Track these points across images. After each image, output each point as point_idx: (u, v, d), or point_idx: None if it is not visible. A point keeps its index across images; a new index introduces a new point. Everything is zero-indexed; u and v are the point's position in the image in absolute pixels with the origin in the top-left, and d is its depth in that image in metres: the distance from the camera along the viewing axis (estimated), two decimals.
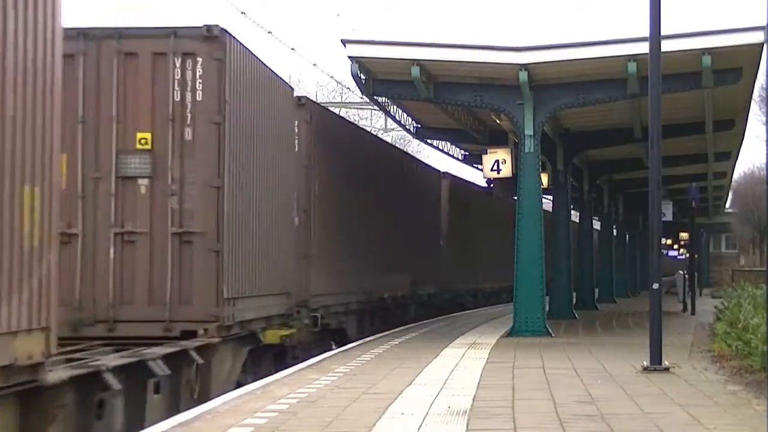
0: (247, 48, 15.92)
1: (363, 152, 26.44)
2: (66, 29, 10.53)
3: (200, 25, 14.86)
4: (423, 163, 36.77)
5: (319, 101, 25.93)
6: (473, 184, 41.34)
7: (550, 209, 33.15)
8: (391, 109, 29.95)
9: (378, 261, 26.99)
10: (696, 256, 45.94)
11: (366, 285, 25.82)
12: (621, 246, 51.79)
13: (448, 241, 36.25)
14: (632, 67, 21.66)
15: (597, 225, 45.39)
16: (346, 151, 24.44)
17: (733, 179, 52.19)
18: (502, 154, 25.63)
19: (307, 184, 21.16)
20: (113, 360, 11.96)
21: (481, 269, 40.26)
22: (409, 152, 35.99)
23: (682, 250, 73.29)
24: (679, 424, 10.69)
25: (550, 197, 33.40)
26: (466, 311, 36.55)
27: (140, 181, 14.70)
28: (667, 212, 36.96)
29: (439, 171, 37.27)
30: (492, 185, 26.36)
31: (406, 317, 30.26)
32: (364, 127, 31.47)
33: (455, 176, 39.48)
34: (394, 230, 28.65)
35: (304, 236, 20.90)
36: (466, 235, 38.16)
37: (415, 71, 22.26)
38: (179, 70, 14.75)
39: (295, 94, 20.39)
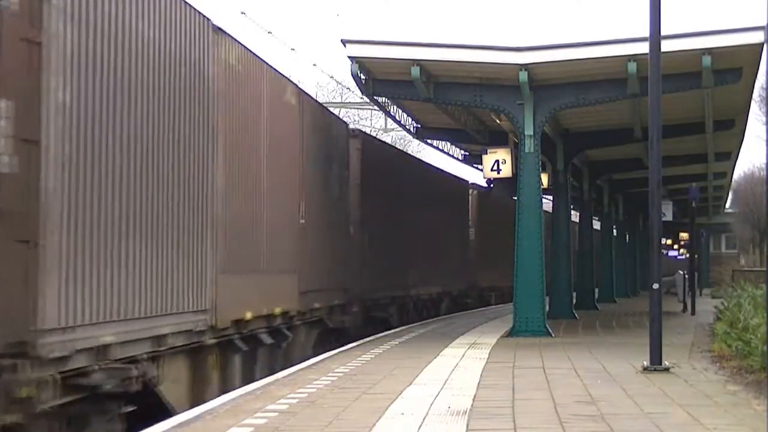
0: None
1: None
2: None
3: None
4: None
5: (319, 101, 26.13)
6: (491, 190, 42.27)
7: (550, 209, 33.16)
8: (391, 109, 29.94)
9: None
10: (696, 256, 45.91)
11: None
12: (621, 246, 51.77)
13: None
14: (632, 67, 21.66)
15: (597, 225, 45.39)
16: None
17: (733, 179, 52.19)
18: (502, 154, 25.63)
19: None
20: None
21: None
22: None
23: (682, 250, 73.27)
24: (679, 424, 10.69)
25: (550, 197, 33.41)
26: (467, 311, 36.93)
27: None
28: (667, 212, 36.98)
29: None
30: (492, 185, 26.34)
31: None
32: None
33: (481, 186, 41.28)
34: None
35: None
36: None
37: (415, 71, 22.26)
38: None
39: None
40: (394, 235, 28.89)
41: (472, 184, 41.60)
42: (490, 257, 42.26)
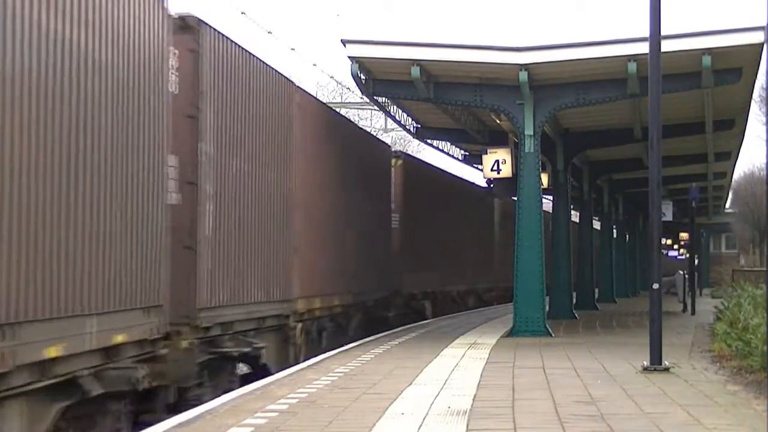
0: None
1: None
2: None
3: None
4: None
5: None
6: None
7: (550, 209, 33.15)
8: (391, 109, 29.93)
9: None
10: (696, 256, 45.92)
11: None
12: (621, 246, 51.77)
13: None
14: (632, 67, 21.66)
15: (597, 225, 45.40)
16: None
17: (733, 179, 52.19)
18: (502, 154, 25.61)
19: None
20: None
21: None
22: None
23: (682, 250, 73.27)
24: (679, 424, 10.69)
25: (550, 197, 33.40)
26: (468, 311, 36.95)
27: None
28: (667, 212, 36.94)
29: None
30: (492, 185, 26.36)
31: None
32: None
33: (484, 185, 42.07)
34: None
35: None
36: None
37: (415, 71, 22.27)
38: None
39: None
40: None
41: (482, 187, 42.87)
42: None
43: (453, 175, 40.62)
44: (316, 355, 19.11)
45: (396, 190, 30.43)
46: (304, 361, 18.46)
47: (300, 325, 20.25)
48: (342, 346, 20.92)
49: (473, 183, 42.33)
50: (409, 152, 47.87)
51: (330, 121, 23.77)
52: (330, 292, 22.79)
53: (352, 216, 24.82)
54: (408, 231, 31.01)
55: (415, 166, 33.80)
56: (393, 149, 32.98)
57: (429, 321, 30.50)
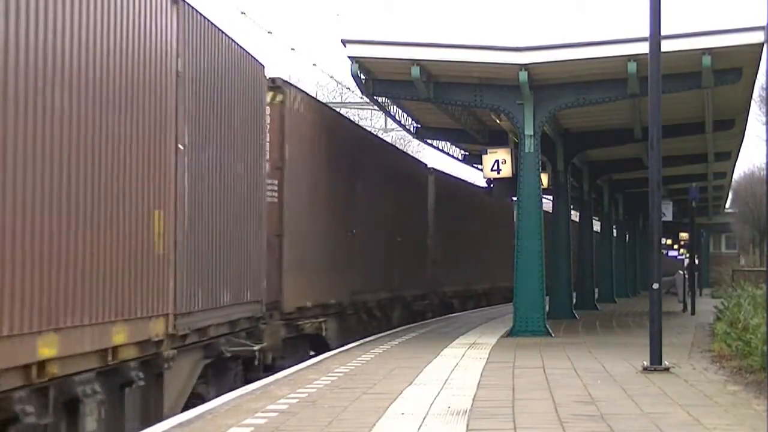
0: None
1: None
2: None
3: None
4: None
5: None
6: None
7: (550, 209, 33.14)
8: (391, 109, 29.94)
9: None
10: (695, 256, 45.91)
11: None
12: (621, 246, 51.77)
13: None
14: (632, 67, 21.66)
15: (597, 225, 45.38)
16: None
17: (733, 179, 52.19)
18: (502, 154, 25.59)
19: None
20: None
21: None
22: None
23: (682, 251, 73.26)
24: (679, 424, 10.69)
25: (550, 197, 33.40)
26: (468, 311, 36.98)
27: None
28: (667, 212, 36.94)
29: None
30: (492, 185, 26.35)
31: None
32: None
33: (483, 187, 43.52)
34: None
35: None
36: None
37: (415, 71, 22.27)
38: None
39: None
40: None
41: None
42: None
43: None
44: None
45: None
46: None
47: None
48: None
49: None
50: (409, 152, 48.04)
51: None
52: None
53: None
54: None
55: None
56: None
57: (429, 321, 30.52)
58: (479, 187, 41.31)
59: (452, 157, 37.54)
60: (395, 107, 29.71)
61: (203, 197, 14.60)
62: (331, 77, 72.53)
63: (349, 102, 56.38)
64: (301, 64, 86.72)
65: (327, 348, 21.35)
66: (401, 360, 17.49)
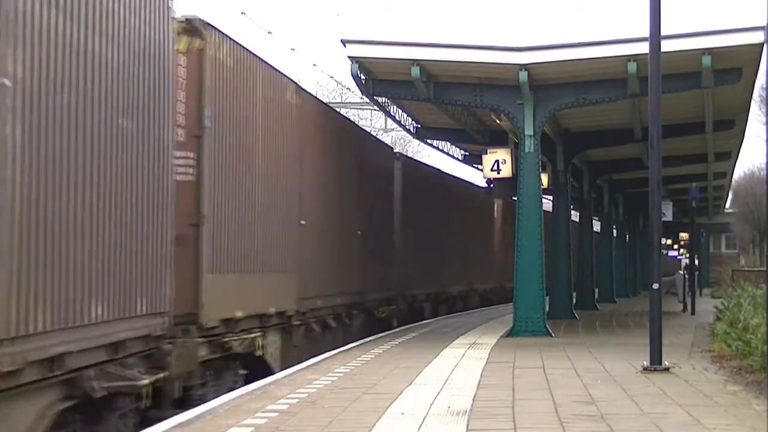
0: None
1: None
2: None
3: None
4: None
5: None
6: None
7: (550, 209, 33.14)
8: (391, 109, 29.93)
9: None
10: (696, 256, 45.90)
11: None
12: (621, 246, 51.77)
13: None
14: (632, 67, 21.65)
15: (597, 225, 45.37)
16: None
17: (733, 179, 52.17)
18: (502, 154, 25.60)
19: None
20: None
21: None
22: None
23: (682, 251, 73.26)
24: (679, 424, 10.69)
25: (550, 197, 33.40)
26: (468, 311, 36.98)
27: None
28: (667, 212, 36.97)
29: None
30: (492, 185, 26.35)
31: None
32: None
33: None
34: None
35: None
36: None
37: (415, 71, 22.27)
38: None
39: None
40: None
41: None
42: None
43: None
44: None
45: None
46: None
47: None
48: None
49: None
50: (409, 152, 48.08)
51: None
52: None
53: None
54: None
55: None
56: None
57: (429, 321, 30.51)
58: (456, 178, 41.15)
59: (452, 157, 37.55)
60: (395, 107, 29.71)
61: (47, 165, 9.74)
62: (331, 77, 72.63)
63: (349, 102, 56.38)
64: (301, 64, 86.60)
65: (268, 370, 17.51)
66: (401, 360, 17.49)
